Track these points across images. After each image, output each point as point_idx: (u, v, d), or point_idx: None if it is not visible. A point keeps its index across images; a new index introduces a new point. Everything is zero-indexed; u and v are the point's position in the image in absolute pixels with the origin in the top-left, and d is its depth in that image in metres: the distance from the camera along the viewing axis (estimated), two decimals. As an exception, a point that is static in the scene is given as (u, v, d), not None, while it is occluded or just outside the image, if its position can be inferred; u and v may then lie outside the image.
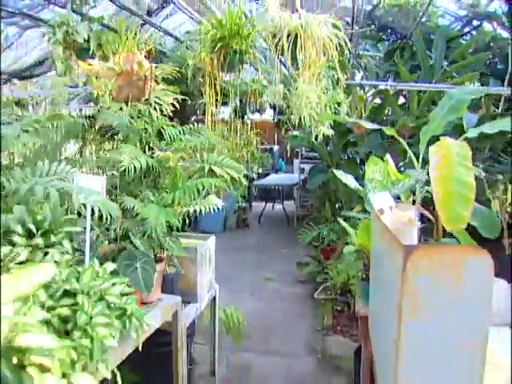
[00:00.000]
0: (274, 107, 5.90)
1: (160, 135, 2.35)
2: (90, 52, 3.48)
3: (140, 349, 1.70)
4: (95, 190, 1.57)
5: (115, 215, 1.53)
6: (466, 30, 5.33)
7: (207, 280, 2.58)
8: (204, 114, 3.60)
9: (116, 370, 1.47)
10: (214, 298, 2.77)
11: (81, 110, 3.15)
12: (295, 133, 5.21)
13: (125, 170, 1.93)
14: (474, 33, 5.34)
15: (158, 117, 2.37)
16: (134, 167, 1.93)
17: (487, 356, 1.60)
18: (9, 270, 1.16)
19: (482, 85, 4.85)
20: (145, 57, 3.02)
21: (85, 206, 1.58)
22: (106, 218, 1.53)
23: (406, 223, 1.69)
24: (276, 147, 9.62)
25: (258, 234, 6.58)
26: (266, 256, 5.43)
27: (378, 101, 5.19)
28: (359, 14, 4.85)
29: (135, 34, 3.82)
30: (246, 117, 4.95)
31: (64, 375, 1.25)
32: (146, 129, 2.30)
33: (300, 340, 3.42)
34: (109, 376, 1.42)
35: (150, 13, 5.31)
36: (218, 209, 2.22)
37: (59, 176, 1.56)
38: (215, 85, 3.41)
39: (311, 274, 4.46)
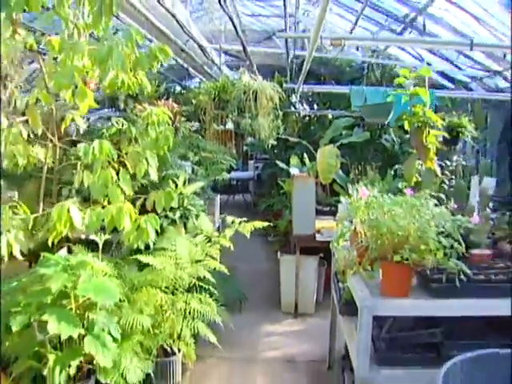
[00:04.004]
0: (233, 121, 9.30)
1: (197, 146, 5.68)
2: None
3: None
4: (189, 164, 4.89)
5: (201, 172, 4.85)
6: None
7: (217, 215, 5.91)
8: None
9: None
10: (218, 227, 6.09)
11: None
12: (252, 141, 8.66)
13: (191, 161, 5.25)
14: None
15: (196, 137, 5.69)
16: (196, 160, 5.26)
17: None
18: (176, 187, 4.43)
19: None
20: (175, 101, 6.39)
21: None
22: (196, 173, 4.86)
23: (302, 176, 5.11)
24: (234, 151, 13.00)
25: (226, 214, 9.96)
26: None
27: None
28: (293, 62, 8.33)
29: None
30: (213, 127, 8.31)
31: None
32: (192, 143, 5.61)
33: (262, 257, 6.83)
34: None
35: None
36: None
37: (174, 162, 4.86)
38: (210, 115, 6.78)
39: (266, 230, 7.84)
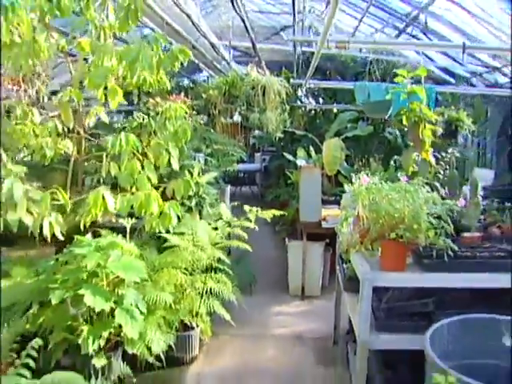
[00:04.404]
0: (240, 114, 9.66)
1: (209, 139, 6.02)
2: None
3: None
4: (202, 156, 5.24)
5: (214, 163, 5.19)
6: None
7: (228, 203, 6.27)
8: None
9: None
10: (229, 216, 6.45)
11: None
12: (260, 134, 9.02)
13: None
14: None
15: (207, 130, 6.04)
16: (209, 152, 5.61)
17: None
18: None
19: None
20: (186, 95, 6.72)
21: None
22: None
23: (309, 167, 5.45)
24: (241, 143, 13.38)
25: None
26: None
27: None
28: (299, 58, 8.66)
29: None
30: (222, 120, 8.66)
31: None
32: (204, 137, 5.96)
33: (270, 245, 7.19)
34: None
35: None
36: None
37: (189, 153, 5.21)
38: (220, 109, 7.12)
39: (273, 220, 8.21)
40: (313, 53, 5.97)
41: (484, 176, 6.63)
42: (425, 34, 7.16)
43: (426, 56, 8.18)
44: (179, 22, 5.43)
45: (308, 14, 7.67)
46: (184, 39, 6.21)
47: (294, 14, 6.19)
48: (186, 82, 10.43)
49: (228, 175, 6.71)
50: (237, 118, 8.79)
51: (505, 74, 6.93)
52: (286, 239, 5.55)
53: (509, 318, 2.41)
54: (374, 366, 2.90)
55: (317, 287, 5.31)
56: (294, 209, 7.28)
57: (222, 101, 6.88)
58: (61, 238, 2.96)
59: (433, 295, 2.77)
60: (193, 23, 5.31)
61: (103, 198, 3.04)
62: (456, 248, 2.55)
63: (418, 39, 7.37)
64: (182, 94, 6.95)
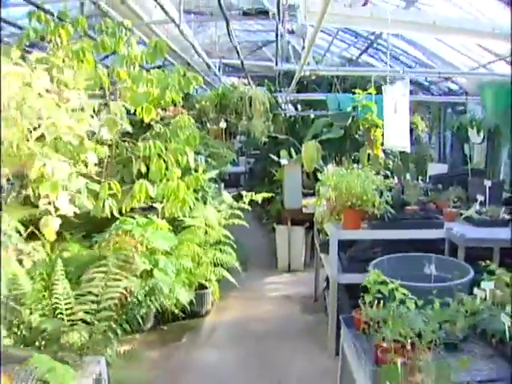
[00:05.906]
0: (226, 120, 11.04)
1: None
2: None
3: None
4: (203, 157, 6.59)
5: (213, 164, 6.54)
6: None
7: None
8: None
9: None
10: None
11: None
12: (245, 139, 10.43)
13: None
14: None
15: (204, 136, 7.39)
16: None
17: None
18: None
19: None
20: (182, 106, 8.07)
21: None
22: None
23: (291, 165, 6.83)
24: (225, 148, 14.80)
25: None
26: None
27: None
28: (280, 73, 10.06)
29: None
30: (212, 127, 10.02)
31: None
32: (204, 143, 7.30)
33: (259, 234, 8.56)
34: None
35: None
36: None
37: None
38: (211, 117, 8.48)
39: (258, 213, 9.57)
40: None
41: (440, 169, 8.15)
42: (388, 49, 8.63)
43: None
44: (176, 43, 6.76)
45: (287, 35, 9.08)
46: (181, 57, 7.54)
47: (277, 35, 7.62)
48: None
49: (220, 175, 8.04)
50: (222, 124, 10.12)
51: (455, 82, 8.44)
52: (275, 224, 6.90)
53: (429, 254, 3.80)
54: (343, 299, 4.28)
55: (300, 263, 6.71)
56: (278, 204, 8.61)
57: (214, 110, 8.25)
58: (117, 215, 4.27)
59: (381, 246, 4.17)
60: (194, 49, 6.65)
61: (146, 187, 4.36)
62: (393, 212, 3.95)
63: (384, 52, 8.89)
64: (179, 105, 8.30)
